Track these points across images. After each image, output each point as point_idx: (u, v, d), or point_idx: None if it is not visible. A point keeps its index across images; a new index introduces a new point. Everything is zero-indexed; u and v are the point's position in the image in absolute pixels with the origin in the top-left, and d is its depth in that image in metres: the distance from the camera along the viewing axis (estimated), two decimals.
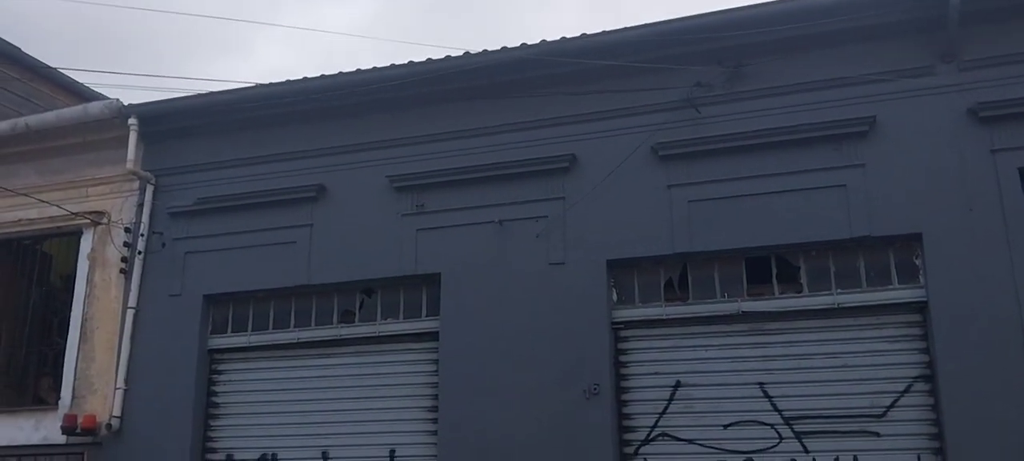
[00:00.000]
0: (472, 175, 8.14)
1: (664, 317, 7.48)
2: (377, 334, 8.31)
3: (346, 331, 8.42)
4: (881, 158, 7.12)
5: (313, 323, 8.56)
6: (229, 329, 8.78)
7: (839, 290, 7.14)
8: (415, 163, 8.40)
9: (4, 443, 8.91)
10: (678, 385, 7.29)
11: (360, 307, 8.49)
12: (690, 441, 7.15)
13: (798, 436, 6.94)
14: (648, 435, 7.27)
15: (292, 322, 8.62)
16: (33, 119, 9.65)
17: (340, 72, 8.61)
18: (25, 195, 9.30)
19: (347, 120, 8.69)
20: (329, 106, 8.69)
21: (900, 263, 7.07)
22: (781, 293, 7.30)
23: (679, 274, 7.59)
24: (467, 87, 8.30)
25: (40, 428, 8.88)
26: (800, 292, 7.25)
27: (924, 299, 6.87)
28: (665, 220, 7.51)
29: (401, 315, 8.32)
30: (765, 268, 7.39)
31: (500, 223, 7.95)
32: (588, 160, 7.87)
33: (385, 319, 8.35)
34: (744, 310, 7.29)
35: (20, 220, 9.51)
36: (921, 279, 6.94)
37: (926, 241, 6.88)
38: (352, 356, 8.34)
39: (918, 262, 6.98)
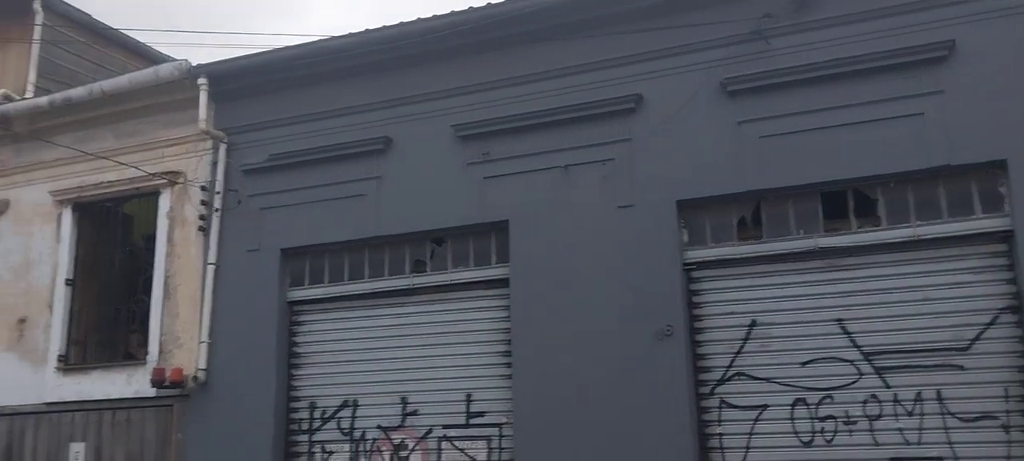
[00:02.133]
0: (536, 120, 8.09)
1: (737, 256, 7.39)
2: (448, 282, 8.41)
3: (418, 280, 8.54)
4: (960, 84, 6.84)
5: (386, 273, 8.70)
6: (306, 281, 8.99)
7: (919, 222, 6.94)
8: (479, 111, 8.39)
9: (100, 396, 9.36)
10: (754, 324, 7.22)
11: (431, 256, 8.60)
12: (767, 379, 7.10)
13: (878, 372, 6.83)
14: (724, 375, 7.24)
15: (366, 273, 8.78)
16: (107, 84, 9.90)
17: (402, 22, 8.60)
18: (105, 158, 9.60)
19: (411, 71, 8.71)
20: (393, 57, 8.71)
21: (983, 192, 6.83)
22: (858, 227, 7.13)
23: (752, 212, 7.47)
24: (529, 31, 8.22)
25: (132, 382, 9.27)
26: (878, 225, 7.07)
27: (1010, 228, 6.63)
28: (736, 157, 7.38)
29: (471, 263, 8.39)
30: (841, 202, 7.22)
31: (566, 168, 7.92)
32: (654, 99, 7.75)
33: (456, 267, 8.44)
34: (821, 246, 7.15)
35: (101, 183, 9.83)
36: (1006, 207, 6.70)
37: (1011, 168, 6.62)
38: (425, 304, 8.47)
39: (1003, 190, 6.73)
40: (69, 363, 9.69)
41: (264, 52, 9.16)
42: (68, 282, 9.87)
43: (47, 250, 10.02)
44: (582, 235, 7.73)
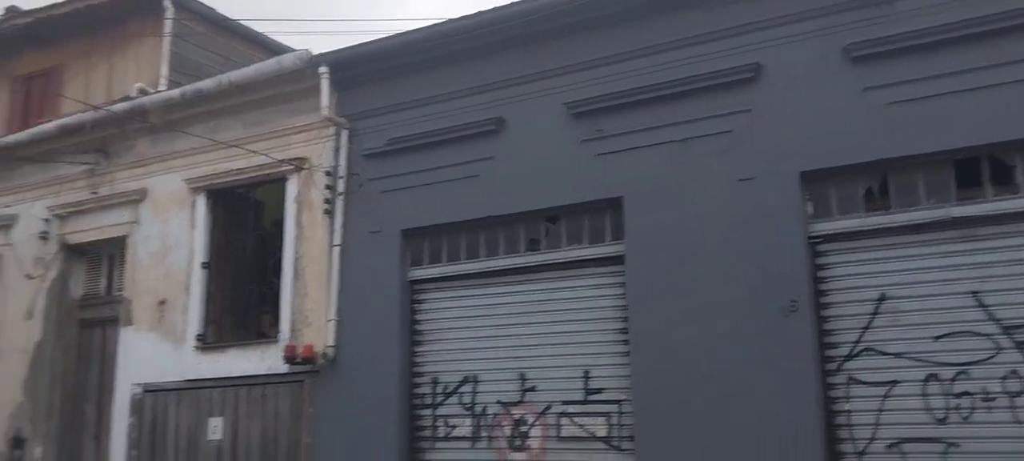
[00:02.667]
0: (650, 94, 8.02)
1: (865, 228, 7.15)
2: (563, 260, 8.46)
3: (533, 258, 8.63)
4: None
5: (501, 252, 8.83)
6: (426, 260, 9.22)
7: None
8: (591, 87, 8.37)
9: (236, 373, 9.88)
10: (883, 298, 6.99)
11: (545, 235, 8.67)
12: (897, 354, 6.87)
13: (1019, 346, 6.50)
14: (852, 350, 7.05)
15: (482, 251, 8.94)
16: (234, 75, 10.37)
17: (514, 2, 8.66)
18: (235, 146, 10.07)
19: (522, 51, 8.76)
20: (505, 38, 8.78)
21: None
22: (995, 195, 6.79)
23: (879, 182, 7.21)
24: (641, 4, 8.14)
25: (265, 359, 9.75)
26: (1016, 193, 6.72)
27: None
28: (862, 125, 7.12)
29: (586, 240, 8.42)
30: (975, 170, 6.89)
31: (683, 141, 7.83)
32: (774, 68, 7.56)
33: (570, 245, 8.48)
34: (954, 216, 6.83)
35: (231, 170, 10.31)
36: None
37: None
38: (541, 282, 8.55)
39: None
40: (206, 342, 10.26)
41: (381, 39, 9.40)
42: (204, 265, 10.43)
43: (183, 235, 10.61)
44: (700, 210, 7.64)
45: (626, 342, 7.90)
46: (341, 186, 9.51)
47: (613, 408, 7.96)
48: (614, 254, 8.16)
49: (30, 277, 11.61)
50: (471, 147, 8.91)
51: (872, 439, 6.88)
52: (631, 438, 7.77)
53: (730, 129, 7.65)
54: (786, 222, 7.28)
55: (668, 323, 7.61)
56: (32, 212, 11.89)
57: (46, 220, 11.73)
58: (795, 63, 7.46)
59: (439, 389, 8.87)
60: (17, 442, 11.32)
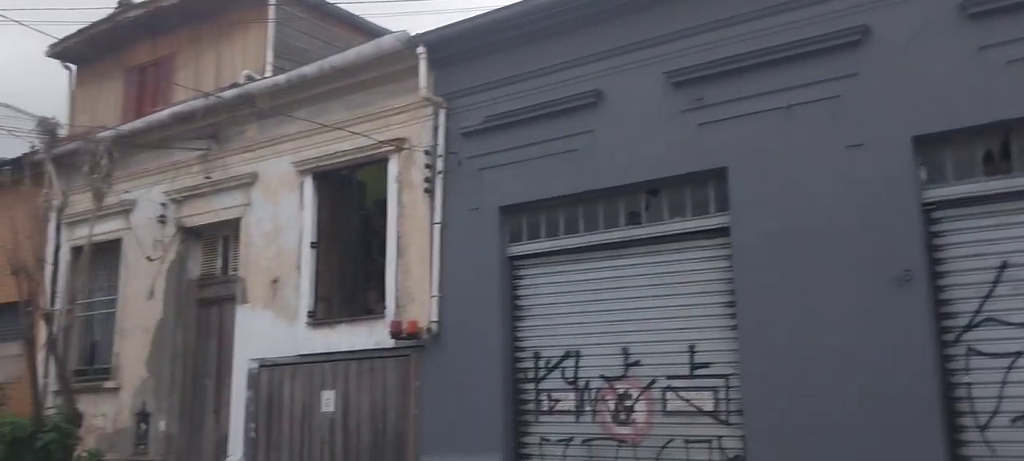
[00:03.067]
0: (754, 61, 7.82)
1: (984, 193, 6.83)
2: (665, 233, 8.38)
3: (635, 232, 8.58)
4: None
5: (601, 226, 8.81)
6: (524, 236, 9.28)
7: None
8: (691, 56, 8.22)
9: (346, 348, 10.20)
10: (1004, 266, 6.67)
11: (646, 208, 8.60)
12: (1022, 325, 6.56)
13: None
14: (971, 321, 6.76)
15: (581, 226, 8.93)
16: (336, 59, 10.63)
17: None
18: (339, 129, 10.34)
19: (619, 21, 8.67)
20: (601, 9, 8.72)
21: None
22: None
23: (1000, 144, 6.87)
24: None
25: (373, 334, 10.03)
26: None
27: None
28: (979, 86, 6.78)
29: (688, 213, 8.31)
30: None
31: (788, 108, 7.62)
32: (883, 29, 7.26)
33: (672, 218, 8.40)
34: None
35: (336, 152, 10.60)
36: None
37: None
38: (643, 256, 8.50)
39: None
40: (317, 319, 10.61)
41: (477, 16, 9.46)
42: (312, 245, 10.78)
43: (293, 217, 10.98)
44: (808, 178, 7.44)
45: (733, 316, 7.79)
46: (440, 165, 9.65)
47: (720, 382, 7.87)
48: (719, 226, 8.04)
49: (150, 259, 12.23)
50: (569, 121, 8.89)
51: (995, 413, 6.60)
52: (739, 412, 7.68)
53: (837, 94, 7.41)
54: (898, 189, 7.02)
55: (776, 296, 7.47)
56: (150, 197, 12.51)
57: (163, 204, 12.32)
58: (905, 23, 7.15)
59: (541, 363, 8.95)
60: (143, 416, 12.01)
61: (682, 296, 8.19)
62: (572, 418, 8.67)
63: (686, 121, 8.20)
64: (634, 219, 8.65)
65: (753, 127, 7.80)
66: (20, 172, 13.08)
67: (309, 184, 10.89)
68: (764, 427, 7.43)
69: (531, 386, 8.99)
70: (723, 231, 7.98)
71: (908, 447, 6.71)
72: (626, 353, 8.43)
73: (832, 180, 7.31)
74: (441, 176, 9.64)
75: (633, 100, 8.54)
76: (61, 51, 15.02)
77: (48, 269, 13.20)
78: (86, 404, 12.11)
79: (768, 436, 7.39)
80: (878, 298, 6.96)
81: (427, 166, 9.74)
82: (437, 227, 9.57)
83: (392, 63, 10.09)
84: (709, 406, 7.90)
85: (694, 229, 8.23)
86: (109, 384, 12.50)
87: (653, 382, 8.22)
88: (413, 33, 9.83)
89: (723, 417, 7.82)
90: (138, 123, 12.68)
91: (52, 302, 12.66)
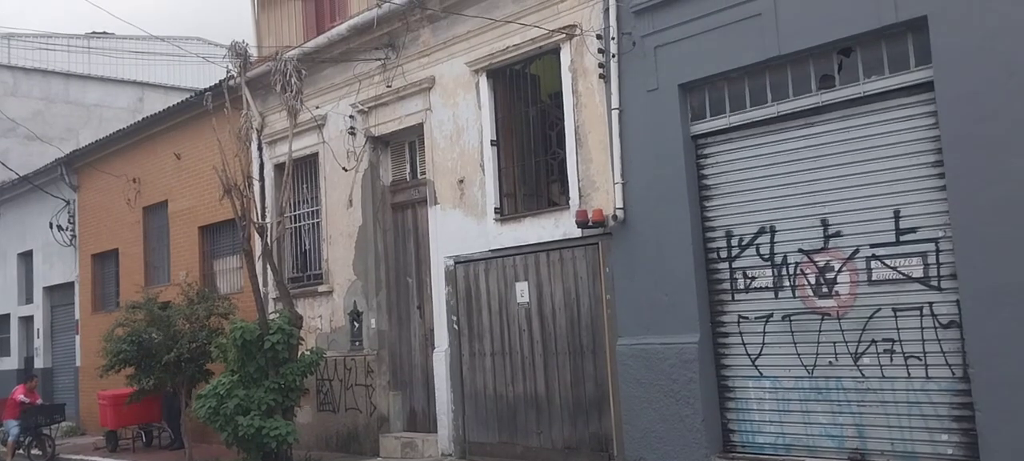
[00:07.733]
0: None
1: None
2: (861, 94, 7.85)
3: (828, 96, 8.09)
4: None
5: (790, 94, 8.36)
6: (708, 113, 8.98)
7: None
8: None
9: (534, 240, 10.42)
10: None
11: (839, 70, 8.06)
12: None
13: None
14: None
15: (768, 97, 8.52)
16: None
17: None
18: (509, 22, 10.30)
19: None
20: None
21: None
22: None
23: None
24: None
25: (559, 225, 10.17)
26: None
27: None
28: None
29: (886, 70, 7.72)
30: None
31: None
32: None
33: (868, 77, 7.83)
34: None
35: (508, 48, 10.59)
36: None
37: None
38: (838, 121, 8.03)
39: None
40: (504, 214, 10.87)
41: None
42: (492, 143, 10.96)
43: (471, 116, 11.17)
44: (1017, 20, 6.69)
45: (941, 176, 7.27)
46: (613, 48, 9.43)
47: (929, 247, 7.43)
48: (921, 81, 7.44)
49: (345, 169, 12.90)
50: None
51: None
52: (953, 276, 7.24)
53: None
54: None
55: (989, 150, 6.89)
56: (338, 110, 13.10)
57: (351, 116, 12.87)
58: None
59: (734, 242, 8.77)
60: (355, 315, 12.91)
61: (884, 159, 7.71)
62: (770, 294, 8.48)
63: None
64: (827, 83, 8.15)
65: None
66: (220, 97, 13.97)
67: (484, 83, 11.00)
68: (981, 289, 6.98)
69: (724, 266, 8.85)
70: (926, 86, 7.38)
71: None
72: (825, 224, 8.09)
73: None
74: (615, 59, 9.43)
75: None
76: None
77: (255, 186, 14.20)
78: (303, 308, 13.18)
79: (985, 298, 6.95)
80: None
81: (600, 51, 9.56)
82: (615, 113, 9.43)
83: None
84: (918, 272, 7.50)
85: (894, 87, 7.66)
86: (322, 288, 13.48)
87: (856, 252, 7.87)
88: None
89: (934, 283, 7.41)
90: (320, 39, 13.17)
91: (263, 216, 13.66)
